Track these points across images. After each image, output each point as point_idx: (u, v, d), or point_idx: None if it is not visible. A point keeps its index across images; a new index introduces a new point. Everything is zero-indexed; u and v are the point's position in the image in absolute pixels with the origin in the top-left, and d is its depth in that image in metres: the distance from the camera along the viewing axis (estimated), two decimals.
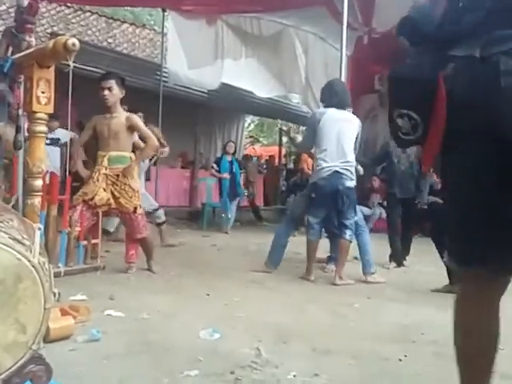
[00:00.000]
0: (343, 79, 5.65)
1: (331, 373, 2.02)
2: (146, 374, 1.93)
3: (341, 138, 3.88)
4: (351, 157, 3.94)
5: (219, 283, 3.70)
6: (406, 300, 3.44)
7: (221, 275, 4.02)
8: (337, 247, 4.12)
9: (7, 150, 3.94)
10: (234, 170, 7.40)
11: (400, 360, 2.21)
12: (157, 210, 5.39)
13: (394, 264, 4.87)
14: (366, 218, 8.21)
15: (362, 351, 2.32)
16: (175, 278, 3.85)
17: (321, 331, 2.64)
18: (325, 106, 4.08)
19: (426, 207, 5.06)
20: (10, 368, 1.26)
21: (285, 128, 6.96)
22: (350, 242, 4.00)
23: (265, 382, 1.90)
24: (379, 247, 5.04)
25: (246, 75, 8.94)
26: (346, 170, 3.90)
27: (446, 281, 3.58)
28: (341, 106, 3.97)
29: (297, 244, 4.89)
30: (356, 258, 5.09)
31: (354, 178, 4.00)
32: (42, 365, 1.42)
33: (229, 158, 7.49)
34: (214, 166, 7.55)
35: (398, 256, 4.91)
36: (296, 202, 4.77)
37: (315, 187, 3.95)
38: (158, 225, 5.42)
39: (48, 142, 5.25)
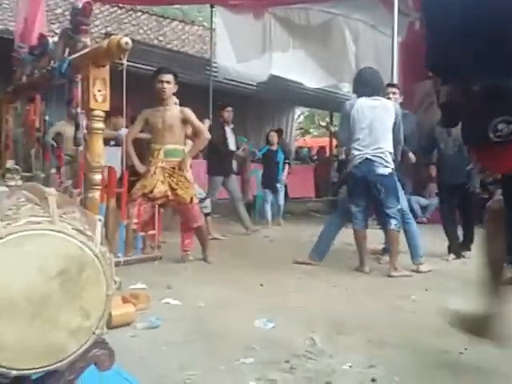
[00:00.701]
0: (395, 66, 5.52)
1: (388, 364, 1.99)
2: (203, 361, 1.98)
3: (373, 125, 3.83)
4: (385, 144, 3.85)
5: (272, 274, 3.72)
6: (464, 292, 3.31)
7: (274, 266, 4.04)
8: (387, 238, 4.05)
9: (68, 147, 4.13)
10: (277, 159, 7.11)
11: (460, 353, 2.14)
12: (204, 199, 5.46)
13: (453, 256, 4.69)
14: (423, 208, 8.00)
15: (420, 343, 2.27)
16: (230, 268, 3.91)
17: (377, 323, 2.60)
18: (358, 96, 4.01)
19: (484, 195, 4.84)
20: (75, 352, 1.32)
21: (323, 123, 6.66)
22: (398, 231, 3.89)
23: (319, 372, 1.90)
24: (438, 238, 4.90)
25: (295, 66, 8.88)
26: (378, 157, 3.81)
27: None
28: (372, 93, 3.91)
29: (350, 236, 4.85)
30: None
31: (390, 164, 3.87)
32: (105, 349, 1.49)
33: (273, 147, 7.17)
34: (256, 151, 7.42)
35: (456, 247, 4.73)
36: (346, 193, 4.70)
37: (349, 176, 3.96)
38: (205, 216, 5.51)
39: (113, 142, 5.38)
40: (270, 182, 7.06)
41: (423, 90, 8.33)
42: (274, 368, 1.92)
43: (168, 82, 3.87)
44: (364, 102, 3.89)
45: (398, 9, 5.99)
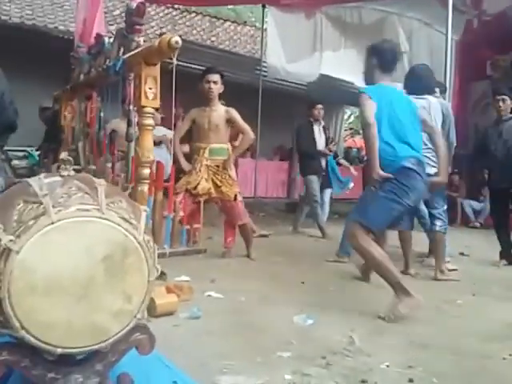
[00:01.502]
0: (448, 65, 5.36)
1: (427, 366, 1.96)
2: (240, 352, 2.03)
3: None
4: (431, 144, 3.65)
5: (314, 272, 3.72)
6: None
7: (316, 265, 4.04)
8: (432, 240, 3.96)
9: (122, 143, 4.30)
10: (327, 159, 6.62)
11: (504, 359, 2.07)
12: None
13: (504, 261, 4.51)
14: (477, 212, 7.71)
15: (463, 348, 2.22)
16: (272, 265, 3.94)
17: (419, 325, 2.55)
18: (407, 93, 3.85)
19: None
20: (117, 333, 1.40)
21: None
22: (443, 233, 3.80)
23: (356, 369, 1.89)
24: (490, 243, 4.73)
25: (346, 66, 8.76)
26: (426, 157, 3.58)
27: None
28: (423, 91, 3.83)
29: (394, 238, 4.78)
30: (462, 254, 4.83)
31: (436, 164, 3.62)
32: (146, 334, 1.56)
33: None
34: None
35: (507, 252, 4.54)
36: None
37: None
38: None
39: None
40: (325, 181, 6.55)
41: (479, 91, 8.04)
42: (310, 363, 1.93)
43: (215, 82, 3.95)
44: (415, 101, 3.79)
45: (455, 6, 5.81)
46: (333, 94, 10.27)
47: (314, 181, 5.84)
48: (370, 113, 2.78)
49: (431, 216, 3.79)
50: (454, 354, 2.12)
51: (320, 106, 6.04)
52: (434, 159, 3.66)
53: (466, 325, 2.59)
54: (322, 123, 6.16)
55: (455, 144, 4.01)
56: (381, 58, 3.02)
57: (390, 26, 8.44)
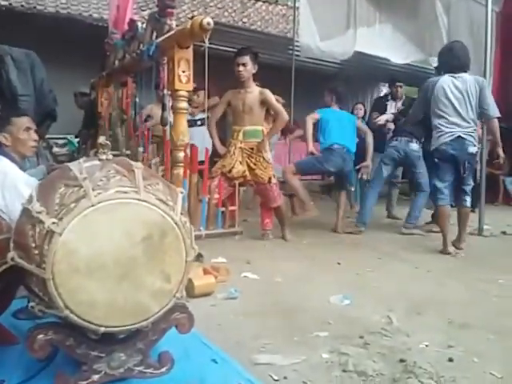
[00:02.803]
0: (489, 38, 5.13)
1: (467, 346, 1.93)
2: (278, 331, 2.05)
3: (460, 103, 3.77)
4: (473, 123, 3.82)
5: (351, 253, 3.70)
6: None
7: (353, 245, 4.02)
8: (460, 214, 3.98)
9: (157, 128, 4.35)
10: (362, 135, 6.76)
11: None
12: None
13: None
14: None
15: (504, 327, 2.17)
16: (307, 246, 3.94)
17: (459, 305, 2.51)
18: (444, 71, 3.96)
19: None
20: (157, 312, 1.44)
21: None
22: (472, 210, 3.98)
23: (394, 349, 1.88)
24: None
25: (381, 42, 8.53)
26: (469, 135, 3.78)
27: None
28: (461, 69, 3.84)
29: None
30: (504, 233, 4.70)
31: (477, 144, 3.90)
32: (185, 313, 1.60)
33: (357, 122, 6.78)
34: None
35: None
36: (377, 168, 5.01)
37: (437, 152, 3.85)
38: (291, 196, 5.54)
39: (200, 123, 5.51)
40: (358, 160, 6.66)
41: None
42: (348, 342, 1.93)
43: (244, 65, 3.91)
44: (449, 79, 3.83)
45: None
46: (368, 72, 10.05)
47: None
48: (312, 116, 4.70)
49: (464, 192, 3.85)
50: (495, 333, 2.08)
51: (400, 83, 6.20)
52: (475, 141, 3.84)
53: (508, 304, 2.53)
54: (401, 101, 6.16)
55: (497, 115, 3.88)
56: (337, 96, 4.88)
57: None
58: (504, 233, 4.72)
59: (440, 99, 3.81)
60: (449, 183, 3.86)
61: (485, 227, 4.61)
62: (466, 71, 3.86)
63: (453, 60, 3.86)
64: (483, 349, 1.91)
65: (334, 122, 4.64)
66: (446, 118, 3.79)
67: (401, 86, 6.12)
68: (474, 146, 3.80)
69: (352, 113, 6.61)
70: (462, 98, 3.77)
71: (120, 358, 1.47)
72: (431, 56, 9.56)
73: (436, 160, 3.87)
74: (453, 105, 3.77)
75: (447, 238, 3.82)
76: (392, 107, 6.07)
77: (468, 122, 3.77)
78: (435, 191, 3.89)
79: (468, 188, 3.86)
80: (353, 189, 5.53)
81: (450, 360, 1.79)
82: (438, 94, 3.81)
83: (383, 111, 6.00)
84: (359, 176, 5.19)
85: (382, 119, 5.63)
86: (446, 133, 3.78)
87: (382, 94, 6.10)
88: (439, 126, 3.83)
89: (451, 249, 3.79)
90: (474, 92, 3.78)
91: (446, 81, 3.82)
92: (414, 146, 4.67)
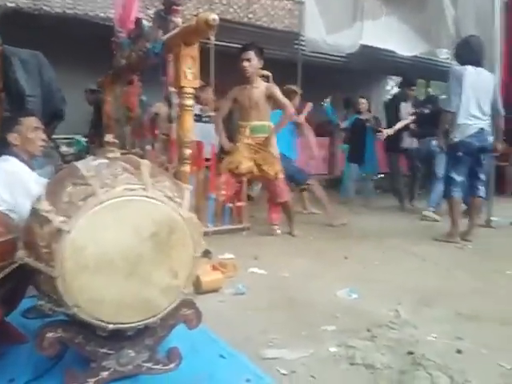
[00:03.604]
0: (497, 29, 5.09)
1: (476, 337, 1.93)
2: (285, 326, 2.07)
3: (481, 95, 3.86)
4: (489, 115, 3.94)
5: (357, 247, 3.70)
6: None
7: (359, 240, 4.01)
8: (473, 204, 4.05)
9: (164, 126, 4.37)
10: (366, 130, 6.42)
11: None
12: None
13: None
14: None
15: None
16: (314, 241, 3.94)
17: (467, 297, 2.51)
18: (460, 63, 4.01)
19: None
20: (165, 308, 1.46)
21: None
22: (486, 199, 4.09)
23: (402, 341, 1.89)
24: None
25: (387, 34, 8.46)
26: (489, 127, 3.92)
27: None
28: (478, 63, 3.92)
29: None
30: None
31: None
32: (193, 309, 1.61)
33: (363, 116, 6.52)
34: (341, 124, 6.85)
35: None
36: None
37: (462, 145, 3.85)
38: (301, 190, 5.55)
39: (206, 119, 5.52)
40: (357, 155, 6.54)
41: None
42: (355, 336, 1.94)
43: (248, 60, 3.90)
44: (473, 70, 3.87)
45: None
46: (374, 65, 10.00)
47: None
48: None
49: (479, 182, 3.95)
50: (503, 324, 2.08)
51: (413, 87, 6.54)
52: (491, 130, 3.98)
53: None
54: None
55: (503, 113, 4.06)
56: None
57: None
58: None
59: (466, 90, 3.83)
60: (465, 176, 3.91)
61: (493, 218, 4.60)
62: (480, 66, 3.92)
63: (470, 54, 3.92)
64: (491, 340, 1.91)
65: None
66: (469, 111, 3.83)
67: (414, 90, 6.29)
68: (492, 136, 3.95)
69: (354, 107, 6.68)
70: (483, 92, 3.85)
71: (129, 354, 1.49)
72: (438, 48, 9.50)
73: (459, 153, 3.86)
74: (477, 98, 3.83)
75: (458, 228, 3.86)
76: (405, 109, 6.10)
77: (486, 116, 3.88)
78: (451, 183, 3.92)
79: (484, 177, 3.96)
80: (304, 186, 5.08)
81: (459, 352, 1.79)
82: (466, 85, 3.83)
83: (396, 114, 6.05)
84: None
85: (387, 132, 5.88)
86: (470, 125, 3.83)
87: (391, 95, 6.24)
88: (462, 118, 3.84)
89: (457, 239, 3.84)
90: (492, 87, 3.91)
91: (472, 73, 3.85)
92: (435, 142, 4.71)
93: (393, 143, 5.95)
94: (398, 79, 16.35)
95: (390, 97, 6.96)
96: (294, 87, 5.67)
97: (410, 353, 1.79)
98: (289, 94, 5.56)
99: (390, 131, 5.85)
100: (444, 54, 10.35)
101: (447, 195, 4.02)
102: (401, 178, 6.23)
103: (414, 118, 5.94)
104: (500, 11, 5.44)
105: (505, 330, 2.03)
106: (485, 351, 1.81)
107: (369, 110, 6.68)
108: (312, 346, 1.85)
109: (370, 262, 3.22)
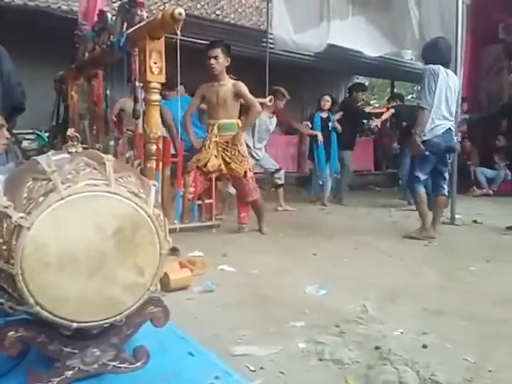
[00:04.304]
0: (460, 30, 5.23)
1: (441, 332, 1.96)
2: (254, 323, 2.05)
3: (449, 96, 3.94)
4: (454, 115, 4.07)
5: (327, 244, 3.73)
6: None
7: (329, 237, 4.05)
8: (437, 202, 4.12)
9: (131, 121, 4.28)
10: (329, 127, 6.39)
11: None
12: (279, 170, 5.55)
13: None
14: (490, 180, 7.62)
15: (477, 313, 2.21)
16: (284, 238, 3.95)
17: (433, 293, 2.56)
18: (426, 63, 4.09)
19: None
20: (131, 306, 1.41)
21: None
22: (448, 197, 4.19)
23: (369, 337, 1.90)
24: (505, 211, 4.68)
25: (354, 35, 8.57)
26: (454, 127, 4.04)
27: None
28: (445, 65, 4.00)
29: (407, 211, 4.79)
30: (475, 222, 4.81)
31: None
32: (160, 307, 1.58)
33: (324, 114, 6.44)
34: (308, 123, 6.60)
35: None
36: None
37: (430, 144, 3.91)
38: (277, 187, 5.56)
39: None
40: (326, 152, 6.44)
41: (492, 55, 7.86)
42: (324, 332, 1.95)
43: (216, 58, 3.86)
44: (444, 71, 3.94)
45: None
46: (341, 65, 10.11)
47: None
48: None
49: (443, 180, 4.04)
50: (467, 319, 2.12)
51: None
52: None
53: (480, 291, 2.58)
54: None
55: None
56: None
57: None
58: (475, 221, 4.83)
59: (438, 90, 3.88)
60: (429, 175, 4.02)
61: (457, 216, 4.72)
62: (446, 67, 3.99)
63: (438, 55, 3.98)
64: (456, 335, 1.95)
65: None
66: (440, 111, 3.89)
67: (364, 94, 7.11)
68: (456, 136, 4.11)
69: (319, 105, 6.63)
70: (451, 93, 3.93)
71: (94, 353, 1.44)
72: (403, 49, 9.70)
73: (426, 153, 3.91)
74: (446, 99, 3.91)
75: (425, 224, 3.95)
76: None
77: (452, 116, 3.98)
78: (415, 182, 4.00)
79: (447, 176, 4.06)
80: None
81: (424, 346, 1.82)
82: (438, 85, 3.88)
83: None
84: None
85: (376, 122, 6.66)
86: (439, 125, 3.90)
87: (341, 101, 6.91)
88: (435, 119, 3.89)
89: (431, 232, 3.94)
90: (458, 89, 4.04)
91: (443, 73, 3.91)
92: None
93: (346, 141, 6.39)
94: (365, 80, 16.62)
95: (340, 102, 7.27)
96: (281, 89, 5.69)
97: (377, 348, 1.80)
98: (276, 94, 5.61)
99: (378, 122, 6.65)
100: (408, 55, 10.58)
101: (412, 192, 4.12)
102: (351, 175, 6.69)
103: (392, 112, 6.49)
104: (462, 14, 5.58)
105: (469, 324, 2.07)
106: (450, 346, 1.84)
107: (330, 109, 6.62)
108: (281, 342, 1.84)
109: (338, 258, 3.25)
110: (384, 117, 6.80)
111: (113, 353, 1.47)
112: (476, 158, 7.92)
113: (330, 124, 6.38)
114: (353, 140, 6.67)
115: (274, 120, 5.70)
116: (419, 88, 4.56)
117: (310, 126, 6.53)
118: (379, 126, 7.15)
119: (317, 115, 6.46)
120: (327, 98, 6.52)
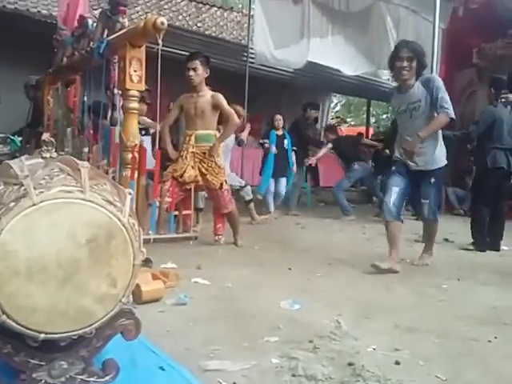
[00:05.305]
0: (435, 53, 5.37)
1: (413, 349, 1.97)
2: (227, 337, 2.02)
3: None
4: None
5: (302, 259, 3.73)
6: (498, 283, 3.24)
7: (304, 251, 4.05)
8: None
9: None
10: (285, 145, 6.47)
11: (489, 341, 2.09)
12: (244, 186, 5.53)
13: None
14: (460, 199, 7.76)
15: (449, 331, 2.23)
16: (259, 252, 3.94)
17: (405, 310, 2.57)
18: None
19: None
20: (102, 318, 1.37)
21: None
22: (416, 219, 4.37)
23: (342, 352, 1.89)
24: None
25: (333, 53, 8.75)
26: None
27: None
28: None
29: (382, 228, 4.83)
30: (447, 240, 4.89)
31: None
32: (131, 319, 1.53)
33: (279, 132, 6.49)
34: (266, 141, 6.54)
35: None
36: None
37: (396, 163, 3.85)
38: (247, 203, 5.55)
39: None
40: (279, 169, 6.46)
41: (465, 79, 8.08)
42: (297, 347, 1.93)
43: (194, 69, 3.85)
44: None
45: None
46: (320, 82, 10.25)
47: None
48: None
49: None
50: (439, 337, 2.14)
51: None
52: None
53: (452, 309, 2.61)
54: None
55: None
56: None
57: (377, 13, 8.43)
58: (446, 240, 4.91)
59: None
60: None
61: None
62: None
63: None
64: (428, 352, 1.96)
65: None
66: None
67: (317, 112, 7.70)
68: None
69: (272, 124, 6.63)
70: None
71: (61, 366, 1.39)
72: (380, 69, 9.92)
73: (393, 168, 3.85)
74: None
75: (395, 253, 3.87)
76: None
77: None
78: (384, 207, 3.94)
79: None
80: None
81: (397, 363, 1.82)
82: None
83: (300, 135, 6.99)
84: None
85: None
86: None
87: (294, 119, 7.55)
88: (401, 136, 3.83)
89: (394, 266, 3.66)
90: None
91: None
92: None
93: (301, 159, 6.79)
94: (343, 97, 16.86)
95: (293, 120, 7.45)
96: (238, 107, 5.65)
97: (351, 364, 1.79)
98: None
99: (314, 160, 6.93)
100: (385, 76, 10.79)
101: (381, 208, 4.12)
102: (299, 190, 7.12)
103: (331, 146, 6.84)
104: (438, 38, 5.74)
105: (441, 342, 2.09)
106: (422, 363, 1.85)
107: (283, 127, 6.65)
108: (254, 357, 1.81)
109: (313, 273, 3.24)
110: (320, 154, 6.92)
111: (81, 366, 1.42)
112: (447, 177, 8.08)
113: (286, 141, 6.48)
114: (303, 156, 6.91)
115: (233, 136, 5.63)
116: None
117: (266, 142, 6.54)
118: (313, 165, 7.27)
119: (272, 132, 6.50)
120: (279, 117, 6.57)
